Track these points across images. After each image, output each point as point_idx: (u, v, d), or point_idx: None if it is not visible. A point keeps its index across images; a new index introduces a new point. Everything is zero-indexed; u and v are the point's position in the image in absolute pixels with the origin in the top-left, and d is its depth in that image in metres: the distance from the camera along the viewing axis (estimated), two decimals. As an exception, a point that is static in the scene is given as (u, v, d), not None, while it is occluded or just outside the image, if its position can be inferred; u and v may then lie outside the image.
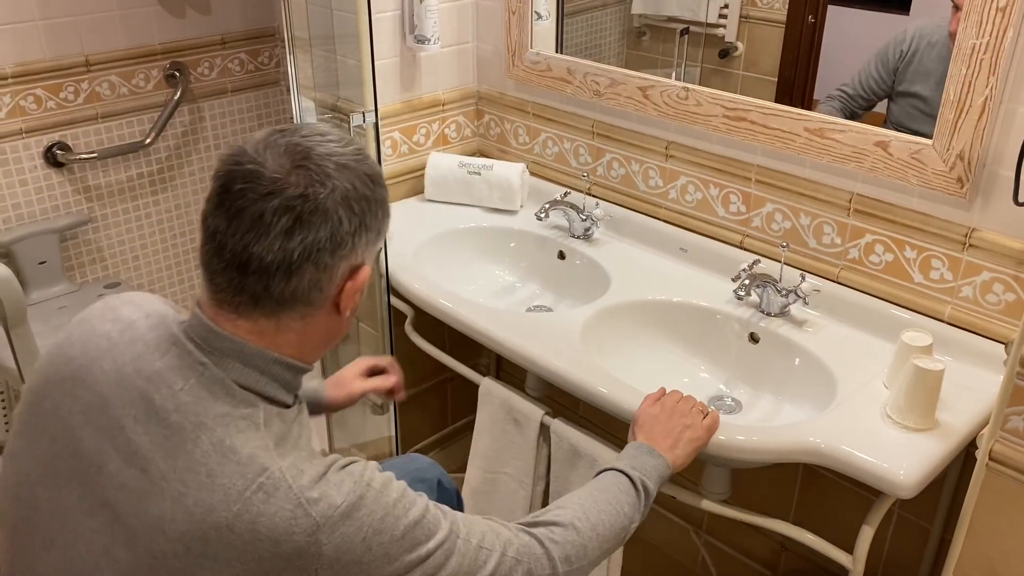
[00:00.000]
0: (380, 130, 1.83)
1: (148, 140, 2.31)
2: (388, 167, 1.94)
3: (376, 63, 1.81)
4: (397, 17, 1.83)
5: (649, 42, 2.06)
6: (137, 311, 0.91)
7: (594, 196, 1.83)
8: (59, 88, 2.17)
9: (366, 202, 0.85)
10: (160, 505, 0.80)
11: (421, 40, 1.81)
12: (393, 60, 1.87)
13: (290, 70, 1.81)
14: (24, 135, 2.15)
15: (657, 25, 2.03)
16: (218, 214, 0.82)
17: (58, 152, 2.21)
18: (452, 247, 1.86)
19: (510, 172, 1.89)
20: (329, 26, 1.84)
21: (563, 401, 1.97)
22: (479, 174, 1.90)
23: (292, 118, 2.38)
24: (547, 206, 1.75)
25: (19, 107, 2.13)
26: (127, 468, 0.82)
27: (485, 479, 1.61)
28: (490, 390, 1.57)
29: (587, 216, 1.76)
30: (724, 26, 1.84)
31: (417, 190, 2.00)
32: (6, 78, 2.08)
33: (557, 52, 1.87)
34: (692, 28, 1.92)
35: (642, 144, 1.74)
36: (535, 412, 1.49)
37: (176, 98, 2.34)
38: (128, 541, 0.81)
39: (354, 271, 0.87)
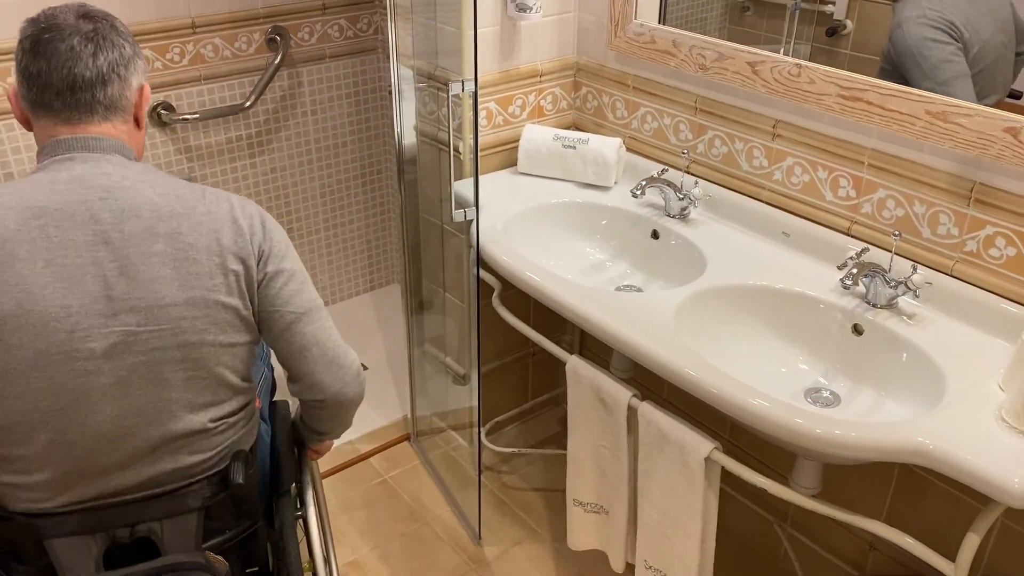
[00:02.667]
0: (468, 103, 1.81)
1: (248, 103, 2.35)
2: (482, 138, 1.92)
3: (470, 32, 1.79)
4: (499, -16, 1.80)
5: (752, 17, 1.97)
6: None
7: (693, 175, 1.78)
8: (166, 49, 2.22)
9: (131, 36, 1.15)
10: (164, 224, 1.09)
11: (523, 8, 1.78)
12: (493, 29, 1.84)
13: (390, 36, 1.80)
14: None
15: (761, 0, 1.94)
16: (38, 60, 1.08)
17: (162, 112, 2.26)
18: (543, 222, 1.83)
19: (606, 147, 1.85)
20: (431, -7, 1.82)
21: (649, 383, 1.94)
22: (574, 148, 1.86)
23: (389, 85, 2.39)
24: (643, 183, 1.71)
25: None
26: (124, 224, 1.08)
27: (586, 450, 1.60)
28: (577, 369, 1.55)
29: (684, 195, 1.71)
30: (833, 2, 1.75)
31: (510, 162, 1.98)
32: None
33: (661, 24, 1.81)
34: (802, 4, 1.83)
35: (747, 122, 1.68)
36: (622, 394, 1.46)
37: (276, 62, 2.37)
38: (160, 258, 1.09)
39: (141, 88, 1.16)
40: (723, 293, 1.52)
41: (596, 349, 2.19)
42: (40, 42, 1.08)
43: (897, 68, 1.51)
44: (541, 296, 1.57)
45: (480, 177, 1.94)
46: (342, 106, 2.62)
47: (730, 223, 1.72)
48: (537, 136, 1.89)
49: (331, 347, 1.23)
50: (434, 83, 1.90)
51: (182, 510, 1.17)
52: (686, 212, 1.74)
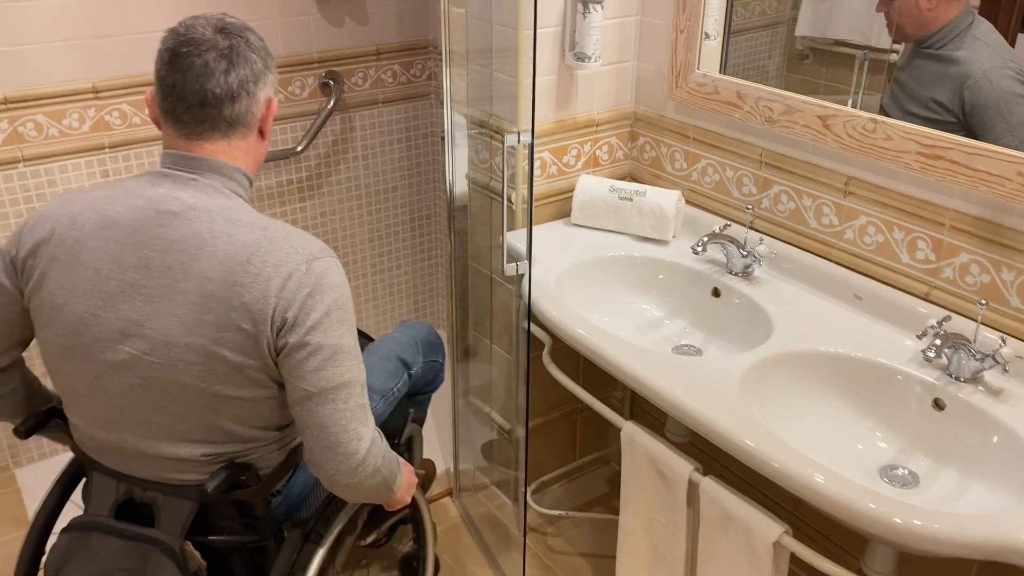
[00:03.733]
0: (523, 153, 1.76)
1: (300, 147, 2.33)
2: (536, 187, 1.86)
3: (528, 80, 1.74)
4: (557, 33, 1.75)
5: (812, 66, 1.89)
6: (103, 185, 1.25)
7: (757, 230, 1.69)
8: (220, 93, 2.22)
9: (266, 52, 1.19)
10: (200, 264, 1.11)
11: (581, 58, 1.72)
12: (550, 78, 1.79)
13: (445, 83, 1.76)
14: (185, 137, 2.21)
15: (822, 48, 1.86)
16: (174, 72, 1.13)
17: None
18: (597, 276, 1.76)
19: (664, 199, 1.77)
20: (487, 40, 1.78)
21: (708, 450, 1.83)
22: (631, 200, 1.79)
23: (441, 131, 2.36)
24: (705, 239, 1.62)
25: (182, 110, 2.18)
26: (167, 256, 1.12)
27: (639, 524, 1.50)
28: (633, 437, 1.46)
29: (748, 252, 1.62)
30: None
31: (564, 213, 1.92)
32: (173, 81, 2.14)
33: (721, 73, 1.74)
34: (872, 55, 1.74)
35: (817, 177, 1.59)
36: (683, 467, 1.36)
37: (329, 107, 2.35)
38: (183, 297, 1.11)
39: (268, 101, 1.20)
40: (792, 360, 1.43)
41: (649, 409, 2.09)
42: (178, 55, 1.13)
43: (966, 120, 1.42)
44: (595, 357, 1.49)
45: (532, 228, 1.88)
46: (393, 151, 2.60)
47: (797, 283, 1.62)
48: (592, 187, 1.83)
49: (334, 432, 1.16)
50: (487, 131, 1.85)
51: (179, 495, 1.22)
52: (749, 270, 1.65)
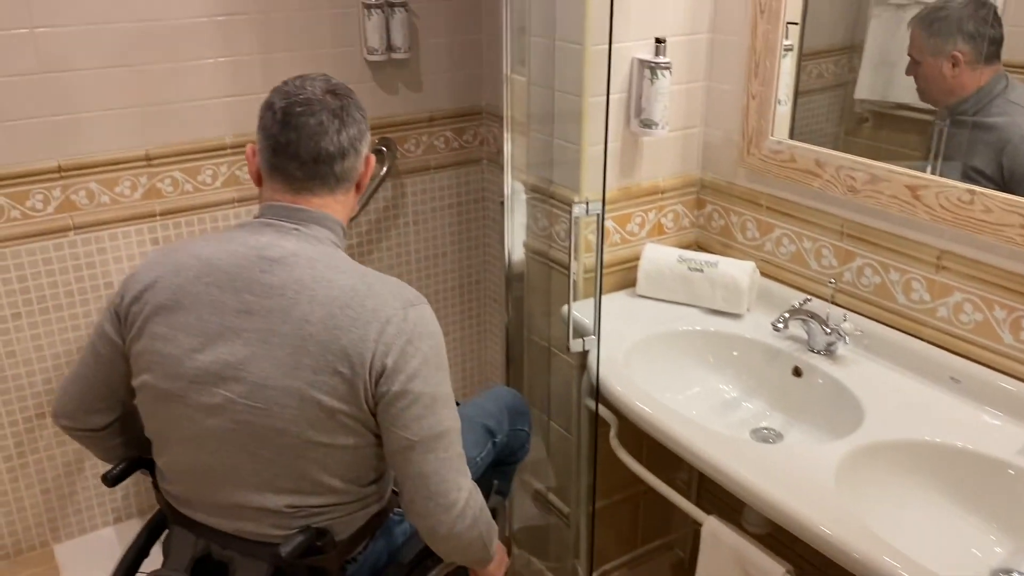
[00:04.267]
0: (585, 221, 1.68)
1: (353, 214, 2.28)
2: (593, 258, 1.77)
3: (594, 147, 1.68)
4: (621, 100, 1.69)
5: (871, 129, 1.81)
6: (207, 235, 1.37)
7: (838, 305, 1.58)
8: (272, 159, 2.19)
9: (365, 111, 1.24)
10: (301, 308, 1.12)
11: (648, 124, 1.66)
12: (613, 144, 1.72)
13: (506, 149, 1.70)
14: (236, 204, 2.18)
15: (883, 112, 1.78)
16: (288, 130, 1.16)
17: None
18: (666, 351, 1.66)
19: (738, 271, 1.68)
20: (549, 107, 1.73)
21: (793, 544, 1.70)
22: (701, 271, 1.70)
23: (492, 196, 2.30)
24: (787, 315, 1.52)
25: (234, 176, 2.15)
26: (268, 300, 1.13)
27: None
28: (717, 535, 1.34)
29: (832, 329, 1.52)
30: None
31: (627, 283, 1.83)
32: (225, 148, 2.12)
33: (790, 139, 1.66)
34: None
35: (905, 251, 1.49)
36: (775, 569, 1.24)
37: (382, 173, 2.31)
38: (282, 340, 1.12)
39: (367, 158, 1.26)
40: (891, 450, 1.31)
41: (719, 494, 1.96)
42: (291, 114, 1.17)
43: (1006, 187, 1.35)
44: (670, 441, 1.39)
45: (589, 299, 1.79)
46: (443, 216, 2.54)
47: (885, 363, 1.51)
48: (659, 257, 1.74)
49: (435, 482, 1.17)
50: (547, 199, 1.79)
51: (256, 555, 1.20)
52: (833, 348, 1.54)
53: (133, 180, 2.04)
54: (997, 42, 1.45)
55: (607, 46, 1.59)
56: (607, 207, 1.75)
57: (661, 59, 1.61)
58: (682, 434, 1.37)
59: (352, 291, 1.13)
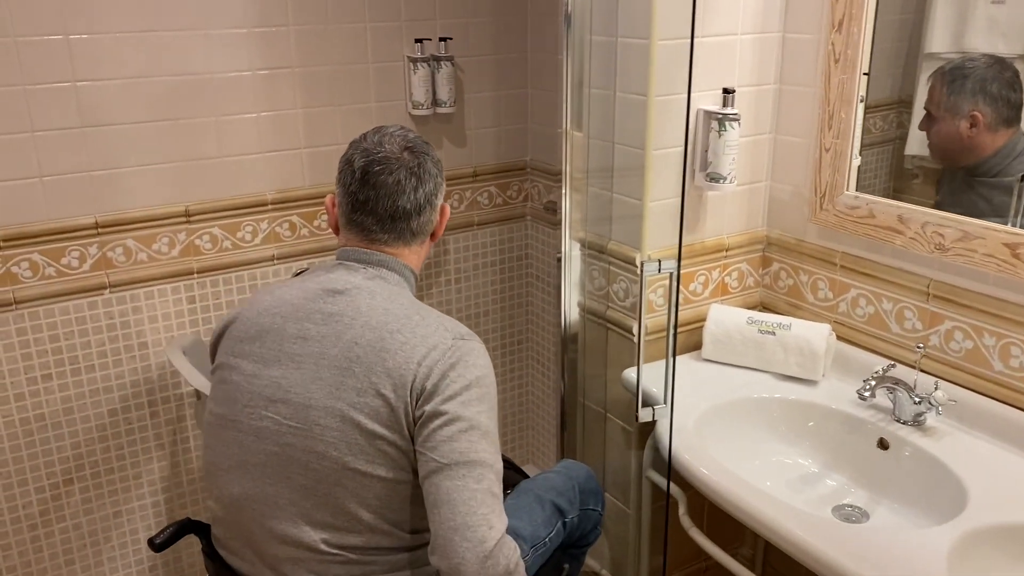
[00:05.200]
0: (654, 278, 1.59)
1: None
2: (659, 318, 1.67)
3: (655, 203, 1.59)
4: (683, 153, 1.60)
5: (921, 186, 1.72)
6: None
7: (925, 372, 1.47)
8: (314, 216, 2.12)
9: (440, 164, 1.27)
10: (353, 332, 1.15)
11: (715, 179, 1.57)
12: (676, 200, 1.63)
13: (564, 205, 1.62)
14: (276, 261, 2.10)
15: (932, 167, 1.69)
16: (366, 189, 1.21)
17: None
18: (736, 420, 1.54)
19: (813, 334, 1.57)
20: (607, 161, 1.65)
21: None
22: (773, 334, 1.59)
23: (558, 253, 2.20)
24: (873, 382, 1.41)
25: (275, 233, 2.08)
26: (324, 327, 1.16)
27: None
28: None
29: (922, 398, 1.40)
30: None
31: (690, 346, 1.72)
32: (266, 204, 2.05)
33: (856, 192, 1.56)
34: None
35: (1003, 313, 1.37)
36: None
37: (425, 230, 2.23)
38: (330, 361, 1.14)
39: (442, 208, 1.29)
40: (1007, 535, 1.18)
41: (780, 567, 1.82)
42: (370, 173, 1.21)
43: None
44: (751, 519, 1.26)
45: (657, 363, 1.69)
46: (486, 274, 2.46)
47: (982, 435, 1.39)
48: (727, 319, 1.64)
49: (462, 512, 1.07)
50: (605, 256, 1.69)
51: None
52: (922, 418, 1.42)
53: (171, 237, 1.97)
54: (1017, 106, 1.43)
55: (670, 97, 1.52)
56: (664, 267, 1.66)
57: (729, 110, 1.53)
58: (766, 513, 1.25)
59: (406, 318, 1.16)
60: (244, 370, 1.20)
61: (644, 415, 1.40)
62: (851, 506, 1.43)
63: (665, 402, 1.38)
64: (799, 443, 1.53)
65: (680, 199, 1.61)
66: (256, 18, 1.94)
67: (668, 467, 1.38)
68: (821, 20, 1.55)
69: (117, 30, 1.80)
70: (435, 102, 2.16)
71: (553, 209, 2.28)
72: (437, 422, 1.10)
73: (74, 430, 1.97)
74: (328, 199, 1.29)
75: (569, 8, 1.49)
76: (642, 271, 1.33)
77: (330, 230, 2.13)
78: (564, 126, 1.56)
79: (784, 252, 1.73)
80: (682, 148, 1.59)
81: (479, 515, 1.07)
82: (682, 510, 1.49)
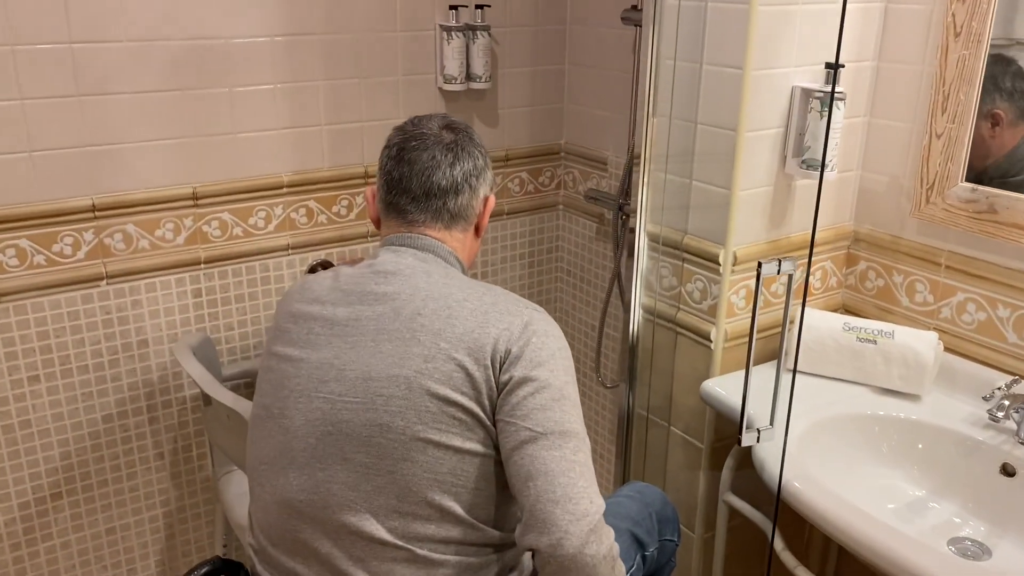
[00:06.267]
0: (730, 279, 1.41)
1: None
2: (739, 323, 1.49)
3: (745, 192, 1.41)
4: (777, 136, 1.42)
5: None
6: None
7: (1053, 388, 1.30)
8: (333, 201, 1.91)
9: (485, 149, 1.19)
10: (414, 305, 1.07)
11: (812, 166, 1.39)
12: (764, 189, 1.45)
13: (641, 194, 1.43)
14: (290, 251, 1.89)
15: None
16: (401, 166, 1.14)
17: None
18: (834, 439, 1.37)
19: (919, 344, 1.39)
20: (687, 144, 1.46)
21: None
22: (874, 342, 1.42)
23: (617, 249, 2.01)
24: (1005, 401, 1.24)
25: (290, 219, 1.87)
26: (379, 305, 1.08)
27: None
28: None
29: (1058, 420, 1.23)
30: None
31: (769, 354, 1.54)
32: (282, 187, 1.84)
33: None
34: None
35: None
36: None
37: (456, 218, 2.03)
38: (391, 335, 1.05)
39: (486, 199, 1.19)
40: None
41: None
42: (405, 149, 1.14)
43: None
44: (862, 548, 1.09)
45: (737, 373, 1.51)
46: (514, 268, 2.26)
47: None
48: (820, 324, 1.46)
49: (563, 484, 0.98)
50: (679, 252, 1.51)
51: None
52: (1055, 442, 1.25)
53: (176, 222, 1.75)
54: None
55: (769, 71, 1.34)
56: (751, 264, 1.48)
57: (835, 88, 1.34)
58: (882, 542, 1.08)
59: (471, 289, 1.08)
60: (291, 356, 1.10)
61: (748, 439, 1.21)
62: (969, 539, 1.27)
63: (772, 423, 1.19)
64: (905, 466, 1.36)
65: (754, 190, 1.44)
66: (277, -23, 1.72)
67: (777, 501, 1.20)
68: (937, -12, 1.37)
69: (121, -16, 1.58)
70: (468, 76, 1.96)
71: (595, 197, 2.09)
72: (528, 388, 1.01)
73: (64, 438, 1.75)
74: (368, 191, 1.22)
75: (657, -33, 1.29)
76: (759, 273, 1.14)
77: (353, 218, 1.95)
78: (647, 104, 1.37)
79: (875, 249, 1.55)
80: (774, 131, 1.42)
81: (579, 487, 0.98)
82: (780, 544, 1.31)
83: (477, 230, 1.20)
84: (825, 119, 1.34)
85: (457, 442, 1.02)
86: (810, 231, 1.53)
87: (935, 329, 1.47)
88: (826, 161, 1.37)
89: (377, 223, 1.20)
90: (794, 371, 1.17)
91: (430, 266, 1.12)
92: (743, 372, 1.49)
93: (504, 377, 1.02)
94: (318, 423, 1.06)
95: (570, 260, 2.31)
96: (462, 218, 1.16)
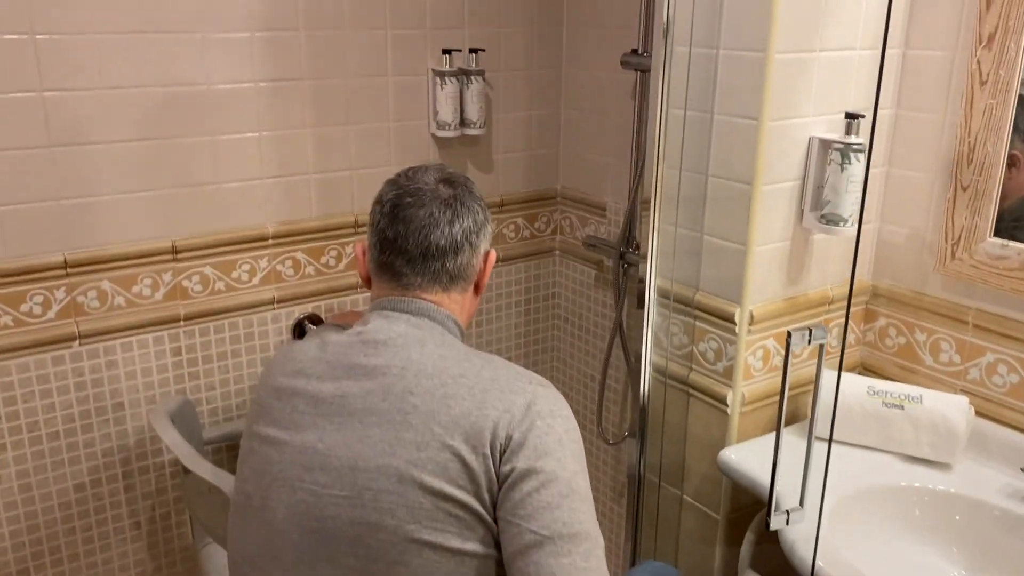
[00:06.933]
0: (747, 339, 1.33)
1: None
2: (756, 385, 1.41)
3: (761, 248, 1.33)
4: (794, 189, 1.35)
5: None
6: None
7: (1096, 458, 1.22)
8: (321, 252, 1.82)
9: (485, 202, 1.12)
10: (405, 383, 0.98)
11: (833, 220, 1.31)
12: (781, 245, 1.37)
13: (651, 244, 1.35)
14: (276, 305, 1.79)
15: None
16: (395, 224, 1.06)
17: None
18: (867, 514, 1.28)
19: (950, 409, 1.31)
20: (697, 196, 1.38)
21: None
22: (901, 407, 1.33)
23: (619, 298, 1.93)
24: (1049, 477, 1.15)
25: (275, 272, 1.77)
26: (368, 381, 0.99)
27: None
28: None
29: (1106, 495, 1.15)
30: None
31: (794, 418, 1.45)
32: (266, 239, 1.74)
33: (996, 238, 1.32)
34: None
35: None
36: None
37: (451, 269, 1.94)
38: (380, 417, 0.96)
39: (487, 254, 1.12)
40: None
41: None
42: (400, 206, 1.06)
43: None
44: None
45: (755, 440, 1.42)
46: (510, 316, 2.17)
47: None
48: (843, 388, 1.37)
49: None
50: (687, 309, 1.42)
51: None
52: (1101, 518, 1.17)
53: (155, 278, 1.65)
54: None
55: (785, 122, 1.27)
56: (768, 323, 1.39)
57: (854, 139, 1.27)
58: None
59: (468, 362, 1.00)
60: (273, 438, 1.01)
61: (777, 522, 1.12)
62: (1013, 624, 1.18)
63: (802, 504, 1.10)
64: (941, 542, 1.27)
65: (770, 246, 1.36)
66: (261, 21, 1.64)
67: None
68: (959, 34, 1.31)
69: (96, 30, 1.49)
70: (463, 122, 1.88)
71: (593, 244, 2.01)
72: (532, 482, 0.92)
73: (32, 510, 1.63)
74: (357, 247, 1.14)
75: (669, 14, 1.22)
76: (788, 344, 1.05)
77: (342, 268, 1.86)
78: (656, 152, 1.29)
79: (895, 306, 1.47)
80: (797, 182, 1.34)
81: None
82: (810, 632, 1.21)
83: (477, 288, 1.13)
84: (846, 171, 1.27)
85: (455, 543, 0.93)
86: (827, 288, 1.45)
87: (962, 391, 1.39)
88: (847, 216, 1.29)
89: (367, 282, 1.12)
90: (828, 447, 1.07)
91: (424, 333, 1.04)
92: (763, 439, 1.42)
93: (505, 468, 0.93)
94: (302, 517, 0.97)
95: (567, 307, 2.22)
96: (462, 278, 1.09)
